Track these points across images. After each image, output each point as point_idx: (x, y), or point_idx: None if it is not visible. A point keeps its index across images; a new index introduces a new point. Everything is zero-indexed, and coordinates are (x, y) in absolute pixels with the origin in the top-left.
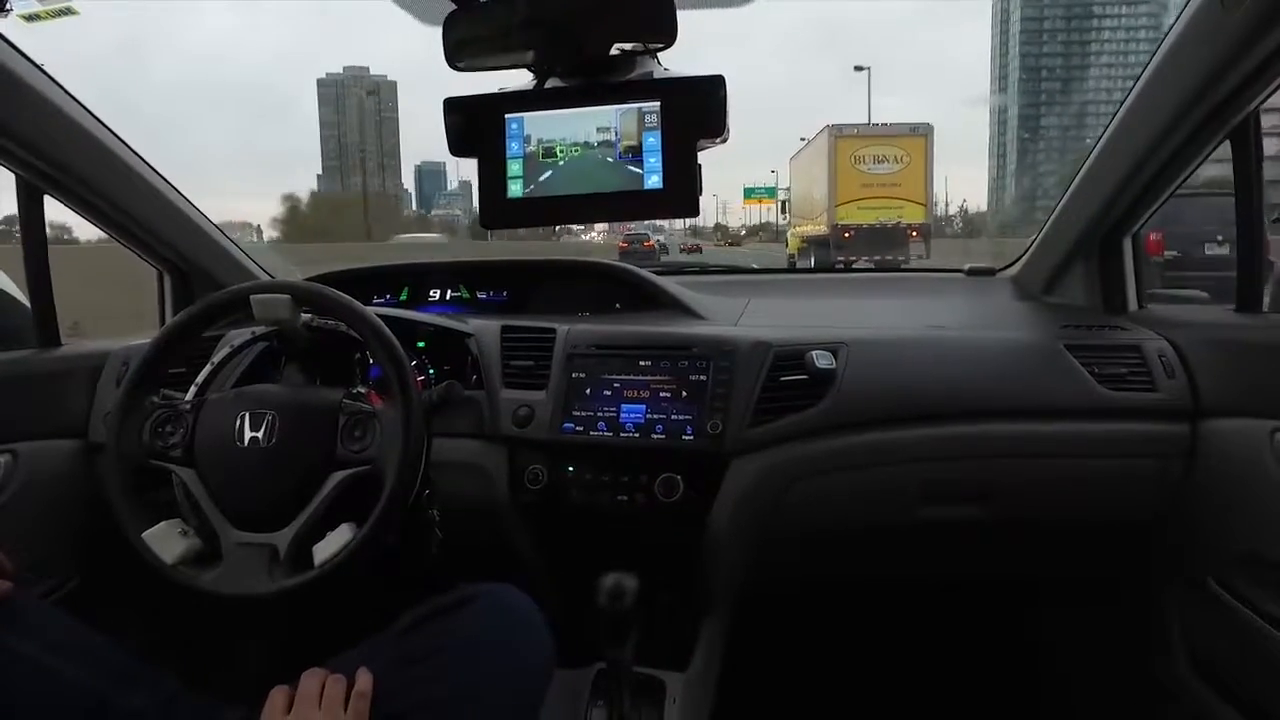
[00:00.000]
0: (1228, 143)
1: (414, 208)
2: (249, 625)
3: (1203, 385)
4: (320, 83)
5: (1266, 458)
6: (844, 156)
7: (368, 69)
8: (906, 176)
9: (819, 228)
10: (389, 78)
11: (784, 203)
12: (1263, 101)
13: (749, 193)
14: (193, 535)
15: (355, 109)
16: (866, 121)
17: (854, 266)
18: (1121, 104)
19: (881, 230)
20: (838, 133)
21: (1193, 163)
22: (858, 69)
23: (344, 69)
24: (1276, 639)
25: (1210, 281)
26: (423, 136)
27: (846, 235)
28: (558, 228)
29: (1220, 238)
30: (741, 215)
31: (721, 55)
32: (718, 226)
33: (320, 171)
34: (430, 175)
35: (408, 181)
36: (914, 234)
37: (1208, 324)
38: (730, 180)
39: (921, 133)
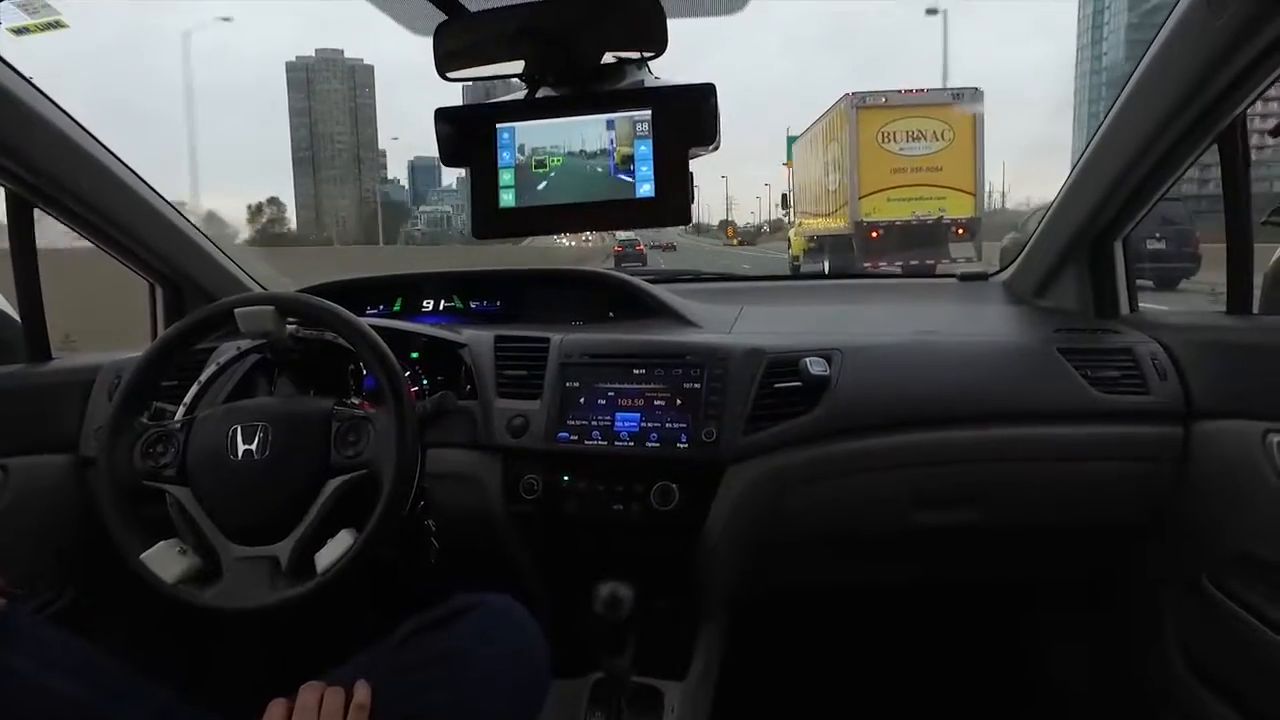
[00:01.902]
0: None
1: (409, 204)
2: (245, 638)
3: (1195, 387)
4: (289, 66)
5: (1259, 459)
6: (869, 133)
7: (342, 51)
8: (950, 158)
9: (836, 224)
10: (365, 61)
11: (785, 195)
12: (1249, 105)
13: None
14: (191, 553)
15: (328, 94)
16: (897, 90)
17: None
18: (1111, 108)
19: (919, 228)
20: (860, 102)
21: (1181, 166)
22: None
23: (316, 51)
24: (1271, 639)
25: (1152, 271)
26: (417, 130)
27: (874, 235)
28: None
29: (1158, 234)
30: (754, 210)
31: (730, 49)
32: (723, 223)
33: (291, 163)
34: (424, 171)
35: (397, 175)
36: (959, 231)
37: (1199, 326)
38: (740, 177)
39: (967, 99)
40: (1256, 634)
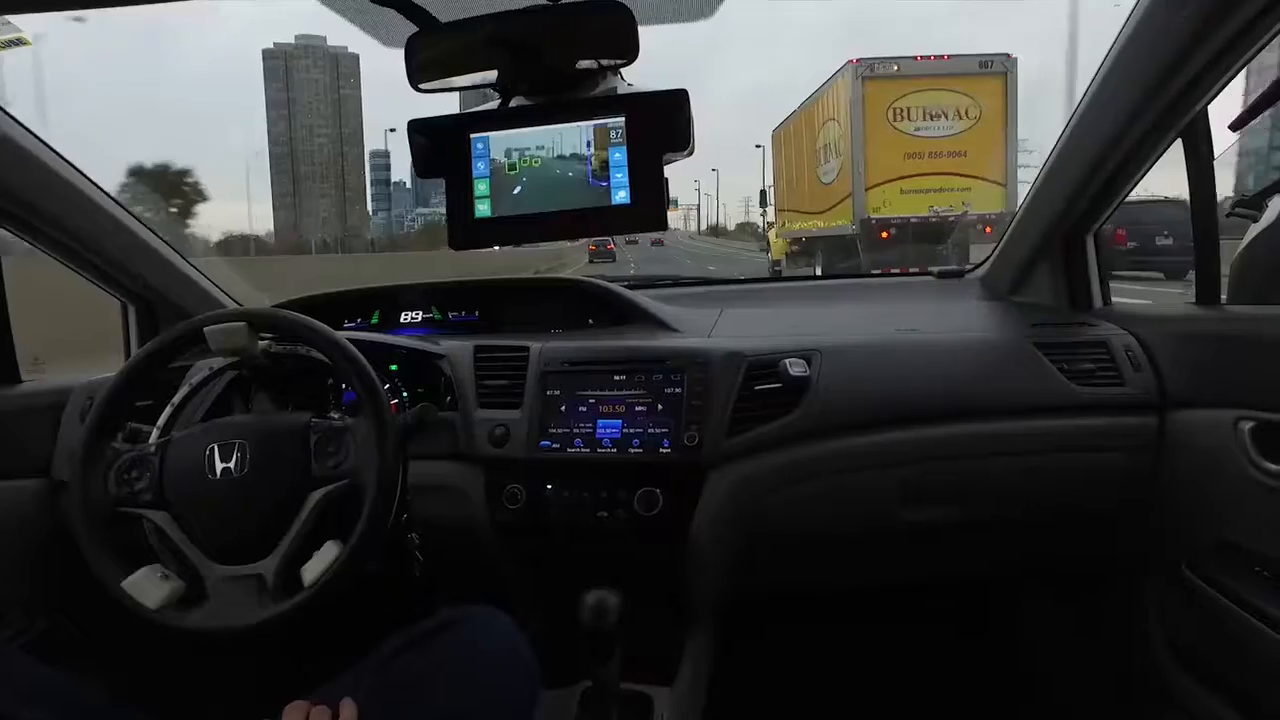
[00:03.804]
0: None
1: (413, 206)
2: (227, 658)
3: (1168, 378)
4: (267, 54)
5: (1232, 446)
6: (877, 110)
7: (325, 38)
8: (976, 140)
9: (834, 223)
10: (350, 49)
11: (764, 191)
12: (1211, 100)
13: None
14: (174, 577)
15: (308, 84)
16: (911, 57)
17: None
18: (1079, 103)
19: (939, 226)
20: (867, 72)
21: (1148, 161)
22: None
23: (295, 38)
24: (1250, 624)
25: (1163, 264)
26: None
27: (885, 235)
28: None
29: (1166, 233)
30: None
31: (751, 43)
32: (740, 226)
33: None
34: None
35: (402, 178)
36: (987, 230)
37: (1170, 317)
38: (755, 182)
39: (997, 69)
40: (1236, 620)
